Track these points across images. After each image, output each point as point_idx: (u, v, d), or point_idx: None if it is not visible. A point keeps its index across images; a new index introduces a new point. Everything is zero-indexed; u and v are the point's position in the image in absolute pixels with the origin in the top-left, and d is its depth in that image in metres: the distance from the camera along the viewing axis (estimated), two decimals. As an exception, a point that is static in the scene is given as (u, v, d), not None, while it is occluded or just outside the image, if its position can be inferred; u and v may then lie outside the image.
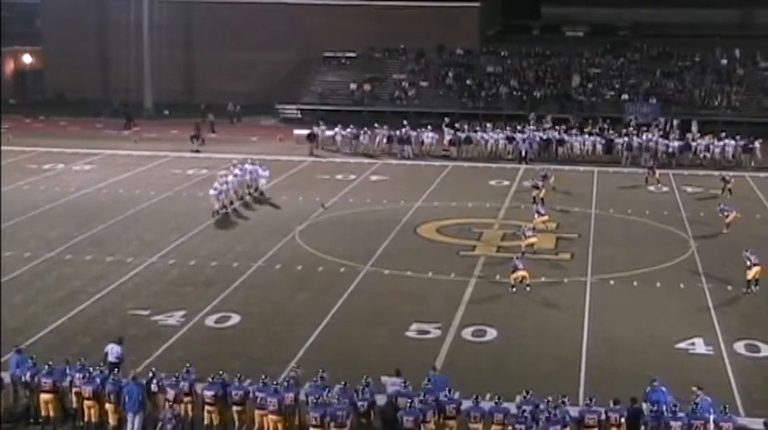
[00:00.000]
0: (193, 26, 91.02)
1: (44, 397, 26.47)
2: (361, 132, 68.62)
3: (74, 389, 26.43)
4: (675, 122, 71.46)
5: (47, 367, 26.79)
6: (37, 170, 60.81)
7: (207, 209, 50.47)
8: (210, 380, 26.27)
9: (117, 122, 78.08)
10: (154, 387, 26.40)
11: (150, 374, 26.90)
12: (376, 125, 69.11)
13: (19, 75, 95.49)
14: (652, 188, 57.14)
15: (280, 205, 52.20)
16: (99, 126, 78.19)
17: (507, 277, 38.24)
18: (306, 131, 69.15)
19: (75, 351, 30.27)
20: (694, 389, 25.89)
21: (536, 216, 47.04)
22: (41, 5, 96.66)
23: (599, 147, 66.25)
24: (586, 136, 67.00)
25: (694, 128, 69.83)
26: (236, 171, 53.42)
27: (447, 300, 37.01)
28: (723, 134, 65.72)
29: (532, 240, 43.14)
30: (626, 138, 65.74)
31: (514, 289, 37.63)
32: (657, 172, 58.46)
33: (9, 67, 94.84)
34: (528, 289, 37.69)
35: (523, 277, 37.82)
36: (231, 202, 51.26)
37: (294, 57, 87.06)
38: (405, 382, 26.44)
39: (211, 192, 50.10)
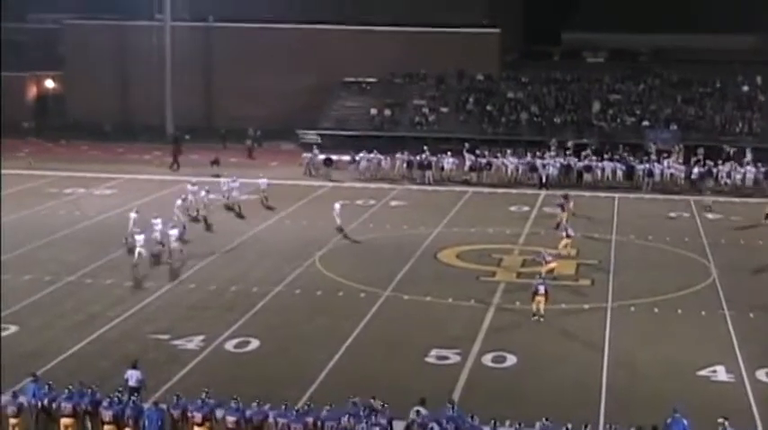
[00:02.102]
0: (214, 51, 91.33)
1: (65, 421, 26.46)
2: (381, 158, 68.76)
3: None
4: (732, 150, 70.60)
5: (66, 391, 26.78)
6: (57, 194, 60.99)
7: (228, 233, 50.67)
8: (233, 405, 26.21)
9: (147, 146, 78.05)
10: (177, 412, 26.38)
11: (175, 399, 26.87)
12: (397, 151, 69.16)
13: (41, 99, 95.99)
14: (673, 214, 56.93)
15: (285, 228, 52.23)
16: (120, 150, 78.41)
17: (529, 303, 38.00)
18: (323, 156, 69.62)
19: (94, 375, 30.27)
20: (720, 420, 25.59)
21: (564, 236, 46.81)
22: (63, 31, 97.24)
23: (620, 173, 66.16)
24: (607, 162, 66.90)
25: (749, 156, 68.79)
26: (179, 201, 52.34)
27: (467, 326, 36.90)
28: (748, 160, 65.55)
29: (552, 265, 42.95)
30: (647, 165, 65.66)
31: (536, 317, 37.29)
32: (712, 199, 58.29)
33: (31, 91, 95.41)
34: (542, 319, 37.31)
35: (539, 301, 37.44)
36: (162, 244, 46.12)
37: (314, 82, 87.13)
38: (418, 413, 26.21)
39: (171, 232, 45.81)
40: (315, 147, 71.72)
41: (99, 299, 39.91)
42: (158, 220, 47.12)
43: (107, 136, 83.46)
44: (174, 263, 44.94)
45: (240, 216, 55.30)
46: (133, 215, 48.40)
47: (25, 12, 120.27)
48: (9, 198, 58.58)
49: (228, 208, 56.51)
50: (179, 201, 52.22)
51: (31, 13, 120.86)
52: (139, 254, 43.85)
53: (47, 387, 27.52)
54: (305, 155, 71.01)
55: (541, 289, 37.68)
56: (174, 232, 45.69)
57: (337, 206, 52.39)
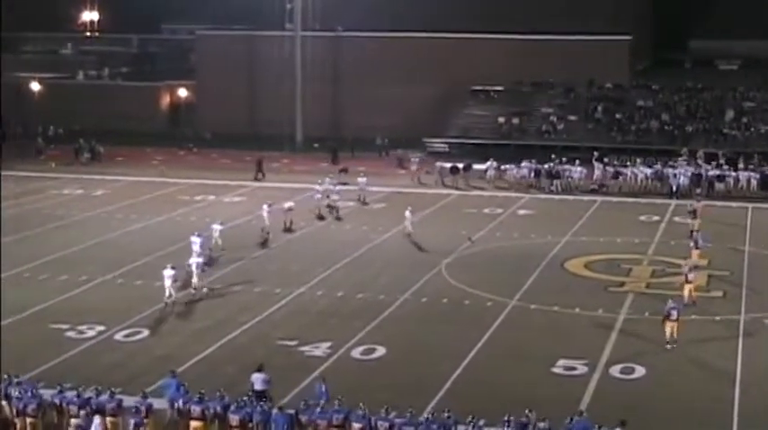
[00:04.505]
0: (342, 61, 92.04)
1: (194, 424, 26.94)
2: (509, 166, 68.45)
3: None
4: None
5: (198, 395, 27.25)
6: (188, 201, 62.04)
7: (355, 240, 50.91)
8: (360, 412, 26.29)
9: (276, 155, 78.60)
10: (305, 418, 26.59)
11: (302, 404, 27.07)
12: (524, 160, 68.72)
13: (174, 108, 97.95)
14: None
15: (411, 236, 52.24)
16: (248, 159, 79.26)
17: (658, 314, 37.08)
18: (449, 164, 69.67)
19: (221, 380, 30.67)
20: None
21: (693, 247, 45.66)
22: (196, 41, 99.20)
23: (754, 182, 64.72)
24: (741, 171, 65.50)
25: None
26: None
27: (594, 337, 36.47)
28: None
29: (691, 285, 40.53)
30: (782, 174, 64.22)
31: (669, 345, 35.38)
32: None
33: (165, 100, 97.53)
34: (675, 345, 35.43)
35: (673, 326, 35.42)
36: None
37: (441, 90, 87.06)
38: None
39: (192, 260, 42.43)
40: (415, 157, 72.63)
41: (228, 304, 40.49)
42: (198, 239, 45.75)
43: (237, 144, 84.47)
44: (195, 295, 41.65)
45: (338, 218, 56.82)
46: (218, 227, 49.08)
47: (160, 23, 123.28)
48: (142, 205, 60.13)
49: (330, 206, 58.11)
50: (265, 206, 52.85)
51: (165, 25, 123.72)
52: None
53: (183, 387, 28.24)
54: (437, 164, 70.85)
55: (674, 313, 35.53)
56: (198, 260, 42.68)
57: (408, 213, 52.35)
